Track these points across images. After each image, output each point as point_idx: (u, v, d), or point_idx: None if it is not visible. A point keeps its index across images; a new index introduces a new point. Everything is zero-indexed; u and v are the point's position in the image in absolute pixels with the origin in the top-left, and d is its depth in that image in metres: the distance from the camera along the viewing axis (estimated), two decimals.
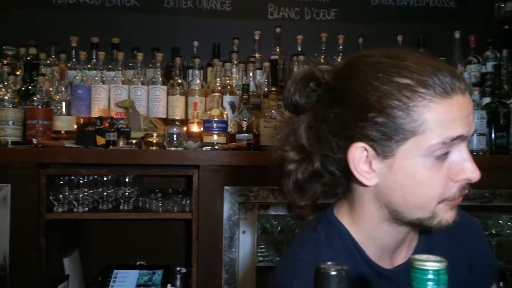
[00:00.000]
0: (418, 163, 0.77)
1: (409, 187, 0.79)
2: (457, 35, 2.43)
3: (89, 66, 2.29)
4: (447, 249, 0.91)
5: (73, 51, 2.32)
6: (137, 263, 2.12)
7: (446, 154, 0.77)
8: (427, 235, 0.92)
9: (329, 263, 0.44)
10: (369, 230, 0.86)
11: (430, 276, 0.43)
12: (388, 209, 0.83)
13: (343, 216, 0.89)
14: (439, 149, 0.76)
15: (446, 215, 0.80)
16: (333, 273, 0.43)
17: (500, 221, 2.17)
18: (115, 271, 2.03)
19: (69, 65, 2.28)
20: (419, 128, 0.76)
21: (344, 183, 0.89)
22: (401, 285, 0.85)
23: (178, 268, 2.09)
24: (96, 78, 2.24)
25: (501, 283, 2.08)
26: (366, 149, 0.80)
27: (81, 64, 2.27)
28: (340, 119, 0.81)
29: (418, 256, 0.44)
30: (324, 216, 0.93)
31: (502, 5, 2.55)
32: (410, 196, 0.79)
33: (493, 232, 2.11)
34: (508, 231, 2.14)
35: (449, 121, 0.76)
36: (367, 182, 0.81)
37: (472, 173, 0.77)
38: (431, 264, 0.43)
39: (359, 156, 0.80)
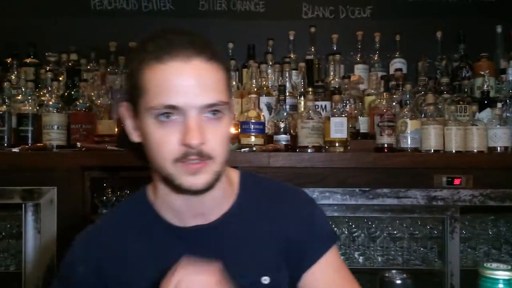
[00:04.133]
0: (148, 123, 0.84)
1: (149, 146, 0.86)
2: (499, 29, 2.36)
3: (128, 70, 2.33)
4: (259, 220, 0.96)
5: (112, 56, 2.37)
6: None
7: (168, 118, 0.82)
8: (242, 202, 0.97)
9: None
10: (159, 193, 0.93)
11: (500, 286, 0.42)
12: (155, 168, 0.89)
13: (151, 183, 0.98)
14: (157, 113, 0.82)
15: (186, 180, 0.84)
16: None
17: None
18: None
19: (108, 70, 2.33)
20: (142, 90, 0.83)
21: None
22: (191, 242, 0.92)
23: None
24: None
25: None
26: (127, 108, 0.90)
27: (120, 69, 2.32)
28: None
29: (487, 265, 0.43)
30: None
31: None
32: (152, 154, 0.86)
33: None
34: None
35: (160, 88, 0.82)
36: (133, 138, 0.91)
37: (190, 139, 0.81)
38: (502, 273, 0.42)
39: (125, 114, 0.91)
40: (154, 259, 0.92)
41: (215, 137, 0.84)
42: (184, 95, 0.81)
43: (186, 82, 0.82)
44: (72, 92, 2.18)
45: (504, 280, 0.42)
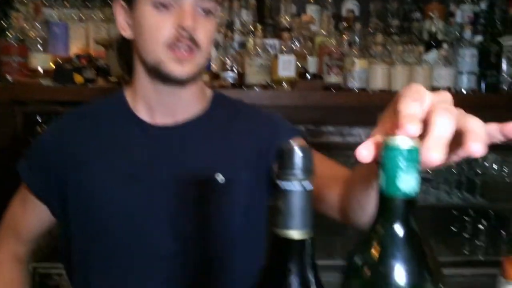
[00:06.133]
0: (144, 11, 0.90)
1: (142, 33, 0.91)
2: None
3: (67, 3, 2.18)
4: (224, 130, 1.01)
5: None
6: None
7: (165, 7, 0.88)
8: (211, 111, 1.02)
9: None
10: (137, 88, 0.99)
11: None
12: (140, 60, 0.95)
13: (130, 83, 1.03)
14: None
15: (173, 67, 0.90)
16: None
17: (485, 162, 2.16)
18: None
19: (45, 3, 2.16)
20: None
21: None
22: (156, 139, 0.97)
23: None
24: (74, 16, 2.13)
25: (483, 220, 2.10)
26: (121, 5, 0.95)
27: (59, 2, 2.15)
28: None
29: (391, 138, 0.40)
30: None
31: None
32: (144, 41, 0.91)
33: (478, 171, 2.10)
34: (493, 171, 2.13)
35: None
36: (124, 34, 0.96)
37: (186, 21, 0.87)
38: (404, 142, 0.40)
39: (119, 12, 0.96)
40: (119, 148, 0.97)
41: (204, 30, 0.91)
42: None
43: None
44: (4, 23, 2.02)
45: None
